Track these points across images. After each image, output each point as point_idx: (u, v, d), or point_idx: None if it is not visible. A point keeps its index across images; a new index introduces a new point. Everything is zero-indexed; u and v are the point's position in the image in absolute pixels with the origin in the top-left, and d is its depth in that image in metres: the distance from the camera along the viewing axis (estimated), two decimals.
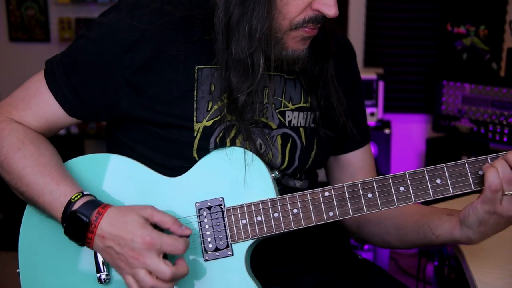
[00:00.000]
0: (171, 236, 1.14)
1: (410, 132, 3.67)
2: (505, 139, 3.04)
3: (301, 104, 1.33)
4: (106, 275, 1.21)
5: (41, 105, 1.27)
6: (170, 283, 1.13)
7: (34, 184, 1.20)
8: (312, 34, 1.20)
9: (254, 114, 1.22)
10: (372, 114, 3.19)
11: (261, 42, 1.16)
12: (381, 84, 3.19)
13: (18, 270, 1.28)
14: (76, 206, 1.15)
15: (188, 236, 1.17)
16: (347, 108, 1.36)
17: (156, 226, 1.15)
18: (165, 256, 1.14)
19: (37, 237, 1.27)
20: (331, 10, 1.14)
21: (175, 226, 1.15)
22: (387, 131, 3.18)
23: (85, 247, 1.20)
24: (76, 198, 1.16)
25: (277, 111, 1.30)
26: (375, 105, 3.19)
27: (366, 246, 3.24)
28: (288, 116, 1.31)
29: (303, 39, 1.20)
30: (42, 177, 1.20)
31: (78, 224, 1.14)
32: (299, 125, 1.32)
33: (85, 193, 1.18)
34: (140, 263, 1.10)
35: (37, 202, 1.21)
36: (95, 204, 1.16)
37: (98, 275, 1.22)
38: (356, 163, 1.45)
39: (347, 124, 1.35)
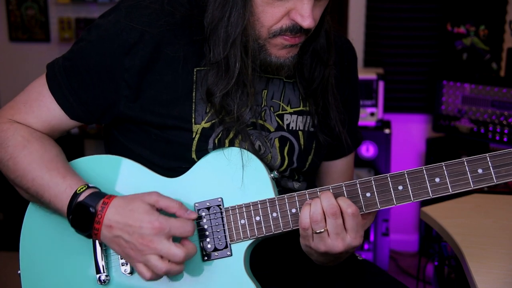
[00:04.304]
0: (178, 219, 1.14)
1: (410, 132, 3.66)
2: (505, 139, 3.04)
3: (301, 108, 1.33)
4: (106, 276, 1.22)
5: (43, 109, 1.27)
6: (182, 265, 1.13)
7: (40, 179, 1.21)
8: (293, 42, 1.19)
9: (232, 115, 1.21)
10: (372, 114, 3.19)
11: (236, 46, 1.16)
12: (381, 84, 3.18)
13: (19, 272, 1.28)
14: (81, 198, 1.15)
15: (194, 220, 1.17)
16: (344, 118, 1.36)
17: (161, 212, 1.15)
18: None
19: (38, 239, 1.27)
20: (305, 21, 1.13)
21: (181, 210, 1.15)
22: (387, 131, 3.17)
23: (85, 245, 1.20)
24: (81, 190, 1.17)
25: (275, 114, 1.30)
26: (375, 105, 3.18)
27: (366, 246, 3.24)
28: (287, 119, 1.31)
29: (284, 47, 1.19)
30: (48, 171, 1.21)
31: (84, 214, 1.14)
32: (297, 128, 1.32)
33: (90, 185, 1.19)
34: (151, 249, 1.10)
35: (43, 196, 1.21)
36: (100, 195, 1.16)
37: (98, 276, 1.22)
38: (342, 167, 1.47)
39: (343, 133, 1.35)
